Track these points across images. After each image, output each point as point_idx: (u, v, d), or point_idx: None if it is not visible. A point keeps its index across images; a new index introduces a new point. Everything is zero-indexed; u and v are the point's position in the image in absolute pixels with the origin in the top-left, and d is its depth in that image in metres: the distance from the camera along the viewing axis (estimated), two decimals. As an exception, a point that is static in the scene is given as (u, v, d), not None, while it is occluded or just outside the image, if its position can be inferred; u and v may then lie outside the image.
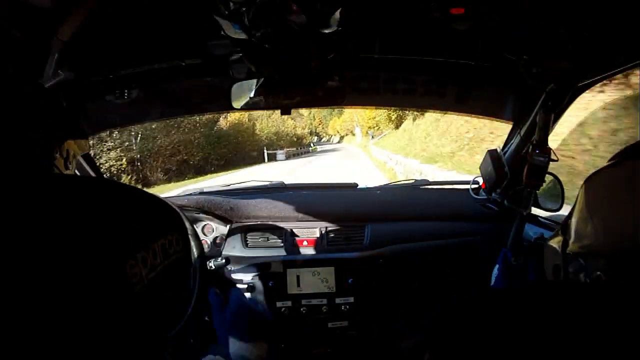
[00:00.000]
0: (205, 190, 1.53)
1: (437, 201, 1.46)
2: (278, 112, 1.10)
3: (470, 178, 1.41)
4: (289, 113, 1.28)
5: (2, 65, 0.59)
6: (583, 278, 0.44)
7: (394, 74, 1.13)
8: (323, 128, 62.24)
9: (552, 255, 0.50)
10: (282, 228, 1.27)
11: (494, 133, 6.81)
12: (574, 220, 0.47)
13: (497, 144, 1.34)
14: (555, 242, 0.50)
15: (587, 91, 1.04)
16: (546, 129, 1.07)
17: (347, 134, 51.33)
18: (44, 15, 0.63)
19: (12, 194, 0.32)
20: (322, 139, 64.58)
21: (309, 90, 1.17)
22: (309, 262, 1.20)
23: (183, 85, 1.16)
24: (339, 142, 54.81)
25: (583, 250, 0.45)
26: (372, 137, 28.92)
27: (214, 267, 1.14)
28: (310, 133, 48.29)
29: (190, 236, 0.91)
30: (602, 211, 0.43)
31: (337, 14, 0.72)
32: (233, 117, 24.51)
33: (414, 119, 15.71)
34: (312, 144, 45.13)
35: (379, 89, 1.27)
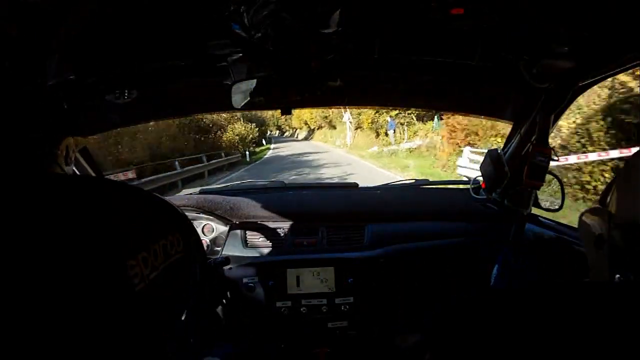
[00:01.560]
0: (205, 189, 1.54)
1: (437, 201, 1.46)
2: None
3: None
4: (289, 113, 1.28)
5: (2, 65, 0.59)
6: (627, 250, 0.44)
7: (394, 74, 1.13)
8: (286, 120, 41.10)
9: (590, 227, 0.49)
10: (282, 228, 1.27)
11: None
12: (618, 192, 0.47)
13: None
14: (593, 215, 0.50)
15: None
16: (546, 129, 1.07)
17: (320, 126, 30.05)
18: (44, 15, 0.63)
19: (13, 194, 0.32)
20: (284, 132, 47.26)
21: (309, 90, 1.17)
22: (309, 262, 1.20)
23: (183, 85, 1.16)
24: (305, 138, 35.65)
25: (630, 220, 0.44)
26: (394, 130, 14.51)
27: (214, 267, 1.14)
28: (251, 122, 21.64)
29: (190, 236, 0.91)
30: None
31: (337, 14, 0.72)
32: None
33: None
34: (265, 141, 27.46)
35: (379, 89, 1.27)
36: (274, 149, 25.23)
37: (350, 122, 19.18)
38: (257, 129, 22.57)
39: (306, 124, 36.13)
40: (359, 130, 19.22)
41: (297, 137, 40.38)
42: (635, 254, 0.42)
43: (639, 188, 0.44)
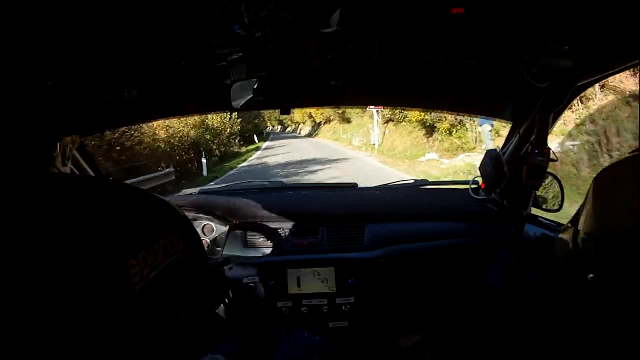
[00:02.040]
0: (205, 189, 1.54)
1: (437, 201, 1.46)
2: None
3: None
4: (288, 113, 1.28)
5: (2, 65, 0.59)
6: (592, 262, 0.48)
7: (394, 74, 1.13)
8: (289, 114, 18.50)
9: (563, 245, 0.56)
10: (282, 228, 1.27)
11: None
12: (585, 212, 0.52)
13: None
14: (566, 235, 0.56)
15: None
16: (546, 129, 1.07)
17: (329, 120, 24.74)
18: (44, 14, 0.63)
19: (14, 195, 0.32)
20: (287, 128, 41.60)
21: (310, 90, 1.17)
22: (309, 262, 1.20)
23: (183, 85, 1.16)
24: (309, 135, 29.35)
25: (595, 235, 0.49)
26: (491, 127, 7.75)
27: (214, 267, 1.14)
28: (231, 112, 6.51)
29: (190, 236, 0.92)
30: (613, 200, 0.48)
31: (337, 14, 0.72)
32: None
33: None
34: (257, 137, 22.99)
35: (379, 89, 1.27)
36: (265, 149, 18.27)
37: (378, 113, 12.92)
38: (239, 120, 16.90)
39: (311, 117, 30.31)
40: (389, 124, 13.19)
41: (299, 134, 33.98)
42: (599, 262, 0.47)
43: (605, 204, 0.49)
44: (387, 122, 13.46)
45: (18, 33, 0.62)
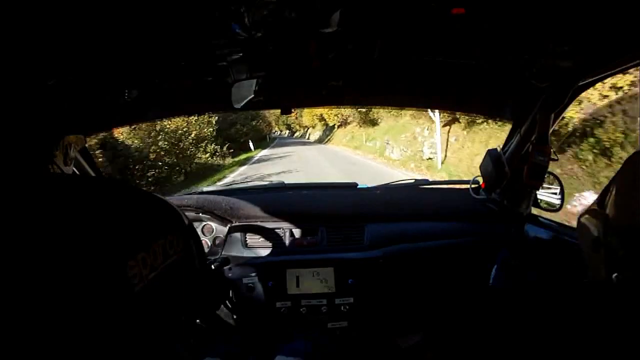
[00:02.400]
0: (205, 189, 1.54)
1: (437, 201, 1.46)
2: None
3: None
4: (289, 113, 1.28)
5: (2, 65, 0.59)
6: (623, 252, 0.44)
7: (394, 74, 1.13)
8: (297, 118, 31.24)
9: (588, 230, 0.50)
10: (281, 228, 1.27)
11: None
12: (614, 194, 0.47)
13: None
14: (591, 217, 0.50)
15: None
16: (546, 128, 1.07)
17: (345, 122, 20.55)
18: (45, 14, 0.63)
19: (13, 194, 0.32)
20: (294, 132, 39.73)
21: (310, 89, 1.17)
22: (308, 262, 1.20)
23: (183, 85, 1.16)
24: (319, 140, 25.97)
25: (626, 223, 0.45)
26: None
27: (213, 267, 1.15)
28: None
29: (190, 236, 0.92)
30: None
31: (337, 14, 0.72)
32: None
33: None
34: (252, 145, 19.68)
35: (379, 89, 1.26)
36: (255, 162, 13.52)
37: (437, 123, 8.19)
38: (213, 118, 12.39)
39: (322, 119, 25.63)
40: (452, 126, 8.44)
41: (307, 139, 30.07)
42: (631, 257, 0.42)
43: (637, 190, 0.44)
44: (448, 124, 8.37)
45: (19, 33, 0.62)
